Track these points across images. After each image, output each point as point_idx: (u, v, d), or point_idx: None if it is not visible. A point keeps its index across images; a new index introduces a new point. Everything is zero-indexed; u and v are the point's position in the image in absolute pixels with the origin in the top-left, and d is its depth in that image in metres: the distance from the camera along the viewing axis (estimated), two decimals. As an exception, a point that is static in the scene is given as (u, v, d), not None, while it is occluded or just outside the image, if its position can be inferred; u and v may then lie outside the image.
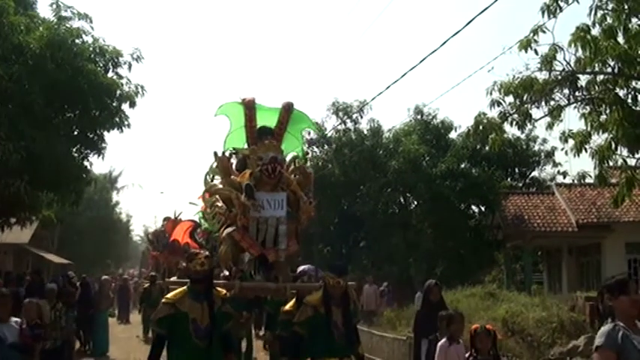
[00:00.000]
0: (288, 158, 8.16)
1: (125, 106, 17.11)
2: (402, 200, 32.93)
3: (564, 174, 34.00)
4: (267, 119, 8.45)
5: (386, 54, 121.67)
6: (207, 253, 6.50)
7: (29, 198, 17.50)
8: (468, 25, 13.54)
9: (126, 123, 17.12)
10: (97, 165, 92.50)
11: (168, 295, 6.30)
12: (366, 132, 32.59)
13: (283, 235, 7.42)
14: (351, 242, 33.23)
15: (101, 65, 16.87)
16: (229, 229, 7.58)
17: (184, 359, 6.02)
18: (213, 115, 8.42)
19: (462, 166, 31.16)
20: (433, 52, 15.42)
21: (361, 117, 32.23)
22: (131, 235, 74.84)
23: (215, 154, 8.06)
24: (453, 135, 32.30)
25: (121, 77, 17.27)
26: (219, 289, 6.55)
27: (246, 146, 8.41)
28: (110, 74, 17.08)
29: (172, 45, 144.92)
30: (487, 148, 25.57)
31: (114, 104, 16.84)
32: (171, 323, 6.07)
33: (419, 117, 32.78)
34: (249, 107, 8.27)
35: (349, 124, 32.34)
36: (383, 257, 31.00)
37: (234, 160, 8.50)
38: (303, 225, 7.83)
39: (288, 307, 8.16)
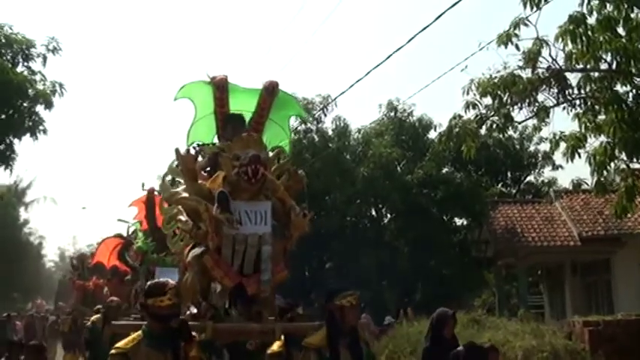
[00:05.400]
0: (270, 154, 7.53)
1: (40, 108, 17.23)
2: (373, 213, 33.55)
3: (549, 184, 35.19)
4: (243, 103, 8.07)
5: (354, 44, 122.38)
6: (172, 282, 5.95)
7: None
8: (437, 19, 14.40)
9: (41, 128, 17.18)
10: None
11: (119, 344, 5.74)
12: (330, 133, 33.01)
13: (267, 258, 6.78)
14: (315, 264, 33.58)
15: (8, 58, 16.85)
16: (197, 252, 6.99)
17: None
18: (173, 98, 7.98)
19: (443, 171, 31.84)
20: (399, 48, 16.32)
21: (325, 115, 32.68)
22: (43, 261, 74.43)
23: (177, 151, 7.40)
24: (432, 135, 32.67)
25: (34, 73, 17.29)
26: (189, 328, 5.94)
27: (216, 140, 8.02)
28: (20, 69, 17.07)
29: (99, 33, 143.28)
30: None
31: (25, 105, 16.92)
32: None
33: (392, 114, 33.38)
34: (221, 88, 7.83)
35: (310, 124, 32.96)
36: (352, 280, 31.64)
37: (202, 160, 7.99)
38: (293, 244, 7.24)
39: (275, 347, 7.73)
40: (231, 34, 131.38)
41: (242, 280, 6.85)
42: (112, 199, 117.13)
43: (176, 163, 7.71)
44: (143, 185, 16.14)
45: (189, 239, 7.41)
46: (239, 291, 6.96)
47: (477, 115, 14.43)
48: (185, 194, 7.27)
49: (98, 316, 13.23)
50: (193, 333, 6.03)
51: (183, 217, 7.32)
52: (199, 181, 7.33)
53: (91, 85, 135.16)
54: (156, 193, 17.35)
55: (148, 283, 6.03)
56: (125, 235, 21.01)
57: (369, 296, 31.27)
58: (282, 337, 7.37)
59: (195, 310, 7.09)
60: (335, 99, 30.44)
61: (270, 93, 7.95)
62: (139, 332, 5.74)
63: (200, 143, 8.14)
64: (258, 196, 6.95)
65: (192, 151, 7.89)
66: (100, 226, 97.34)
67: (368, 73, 18.30)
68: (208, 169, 7.88)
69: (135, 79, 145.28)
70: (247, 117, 8.18)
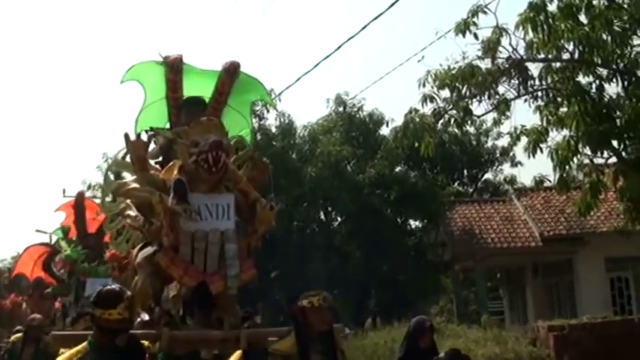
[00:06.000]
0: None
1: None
2: (322, 216, 33.63)
3: (509, 182, 35.74)
4: (199, 87, 7.78)
5: (300, 34, 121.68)
6: (127, 291, 5.71)
7: None
8: (391, 6, 14.62)
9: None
10: None
11: (61, 358, 5.56)
12: (274, 130, 32.91)
13: (233, 256, 6.52)
14: (259, 273, 33.58)
15: None
16: (149, 251, 6.67)
17: None
18: (120, 81, 7.70)
19: (397, 170, 32.10)
20: (350, 38, 16.58)
21: (268, 111, 32.64)
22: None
23: (126, 136, 6.95)
24: (384, 131, 33.11)
25: None
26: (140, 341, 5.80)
27: (168, 126, 7.68)
28: None
29: (9, 20, 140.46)
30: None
31: None
32: None
33: (341, 109, 33.61)
34: (174, 70, 7.52)
35: (252, 121, 32.64)
36: (300, 289, 31.63)
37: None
38: (259, 240, 6.97)
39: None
40: (164, 18, 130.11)
41: (206, 278, 6.47)
42: (27, 208, 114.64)
43: (122, 153, 7.38)
44: (64, 192, 15.85)
45: (139, 238, 7.09)
46: (198, 294, 6.62)
47: (434, 109, 14.65)
48: (135, 185, 6.83)
49: (18, 335, 12.86)
50: (145, 343, 5.86)
51: (132, 212, 6.89)
52: (151, 172, 6.95)
53: (3, 76, 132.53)
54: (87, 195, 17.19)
55: (99, 289, 5.69)
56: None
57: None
58: (240, 350, 6.68)
59: (147, 317, 6.72)
60: (280, 94, 30.45)
61: (230, 75, 7.64)
62: (84, 344, 5.51)
63: (152, 128, 7.74)
64: (218, 188, 6.63)
65: (144, 137, 7.47)
66: (12, 239, 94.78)
67: (316, 65, 18.49)
68: (160, 159, 7.51)
69: (55, 71, 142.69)
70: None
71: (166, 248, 6.47)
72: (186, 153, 6.49)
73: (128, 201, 6.95)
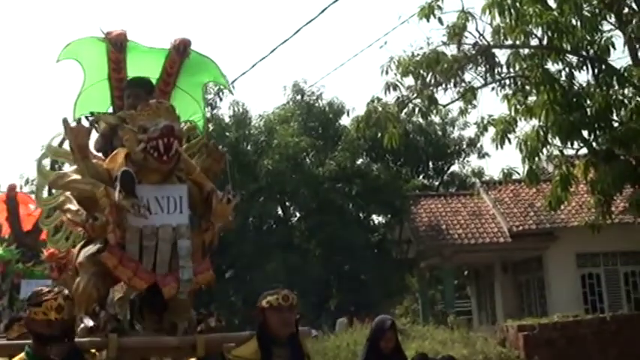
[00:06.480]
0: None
1: None
2: (280, 212, 33.61)
3: (477, 174, 35.97)
4: (146, 67, 7.47)
5: (256, 18, 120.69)
6: (64, 290, 5.49)
7: None
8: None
9: None
10: None
11: None
12: (227, 120, 32.93)
13: (186, 255, 6.18)
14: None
15: None
16: (91, 249, 6.32)
17: None
18: (56, 59, 7.36)
19: (358, 162, 32.19)
20: (309, 22, 16.79)
21: (220, 99, 32.76)
22: None
23: (65, 121, 6.52)
24: (344, 121, 32.79)
25: None
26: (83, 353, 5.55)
27: (111, 110, 7.39)
28: None
29: None
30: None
31: None
32: None
33: (299, 98, 33.54)
34: (117, 47, 7.19)
35: (205, 104, 32.25)
36: (257, 290, 31.60)
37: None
38: (215, 237, 6.61)
39: None
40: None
41: (157, 280, 6.12)
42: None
43: (58, 140, 7.04)
44: None
45: (81, 235, 6.76)
46: (149, 296, 6.35)
47: (397, 98, 14.75)
48: (76, 176, 6.39)
49: None
50: (91, 351, 5.62)
51: (73, 207, 6.53)
52: (94, 161, 6.51)
53: None
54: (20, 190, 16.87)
55: (35, 288, 5.46)
56: None
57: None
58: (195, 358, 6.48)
59: (91, 323, 6.21)
60: (234, 81, 30.33)
61: (180, 53, 7.33)
62: (22, 355, 5.35)
63: (92, 114, 7.40)
64: (170, 179, 6.29)
65: (85, 123, 7.10)
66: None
67: (272, 50, 18.52)
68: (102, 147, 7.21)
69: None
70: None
71: (112, 247, 6.14)
72: (133, 140, 6.15)
73: (68, 194, 6.63)
